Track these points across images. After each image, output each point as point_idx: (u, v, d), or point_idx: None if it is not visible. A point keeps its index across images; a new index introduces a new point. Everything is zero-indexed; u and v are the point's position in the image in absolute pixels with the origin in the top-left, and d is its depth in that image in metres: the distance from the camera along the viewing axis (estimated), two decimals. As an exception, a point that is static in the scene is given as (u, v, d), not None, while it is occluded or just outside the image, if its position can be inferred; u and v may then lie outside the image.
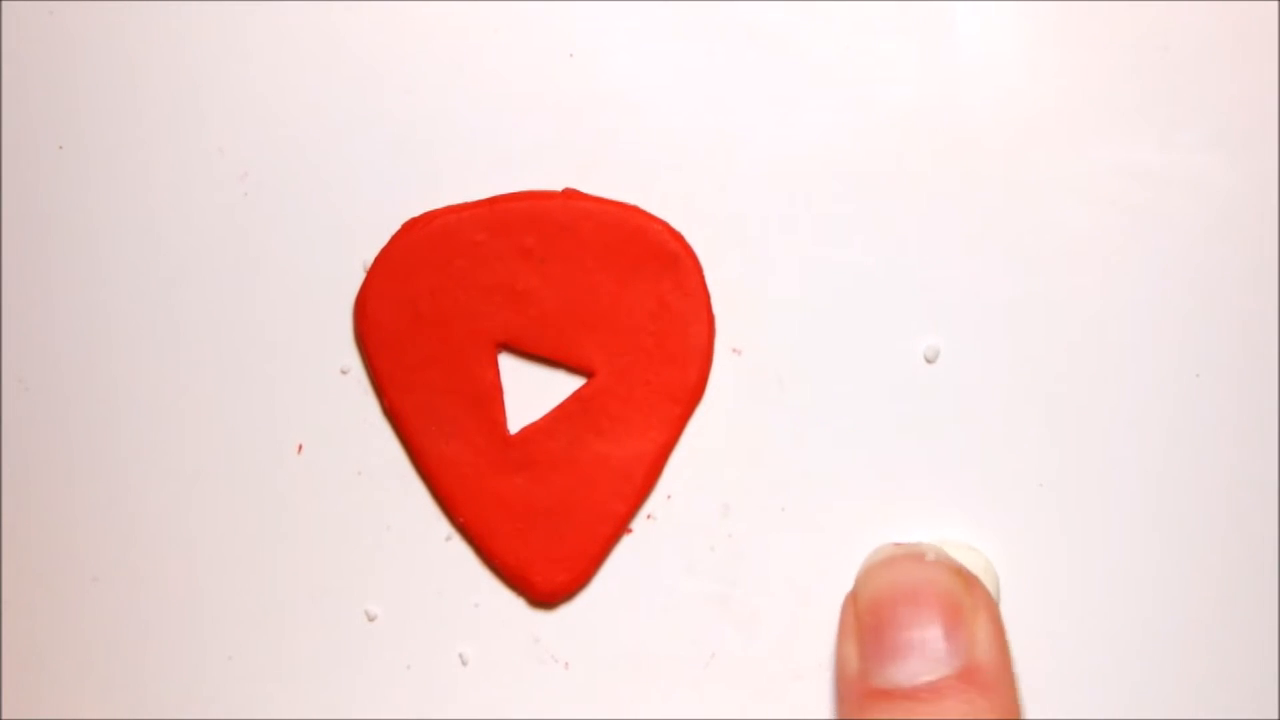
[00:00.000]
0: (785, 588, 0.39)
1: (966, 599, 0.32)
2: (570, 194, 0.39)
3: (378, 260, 0.40)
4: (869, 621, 0.33)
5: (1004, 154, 0.39)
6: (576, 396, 0.39)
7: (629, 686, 0.39)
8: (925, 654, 0.30)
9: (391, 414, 0.40)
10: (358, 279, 0.40)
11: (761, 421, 0.39)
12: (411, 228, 0.40)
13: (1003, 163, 0.39)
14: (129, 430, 0.40)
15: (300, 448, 0.40)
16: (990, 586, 0.37)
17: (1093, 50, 0.39)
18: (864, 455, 0.39)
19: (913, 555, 0.34)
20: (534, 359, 0.40)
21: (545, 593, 0.39)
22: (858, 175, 0.39)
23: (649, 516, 0.39)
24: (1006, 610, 0.39)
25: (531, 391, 0.39)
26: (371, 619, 0.40)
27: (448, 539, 0.40)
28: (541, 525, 0.39)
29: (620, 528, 0.39)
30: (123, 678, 0.40)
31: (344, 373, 0.40)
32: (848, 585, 0.38)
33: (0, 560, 0.40)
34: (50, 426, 0.40)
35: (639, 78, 0.40)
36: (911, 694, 0.28)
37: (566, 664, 0.39)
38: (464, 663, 0.39)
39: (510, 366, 0.40)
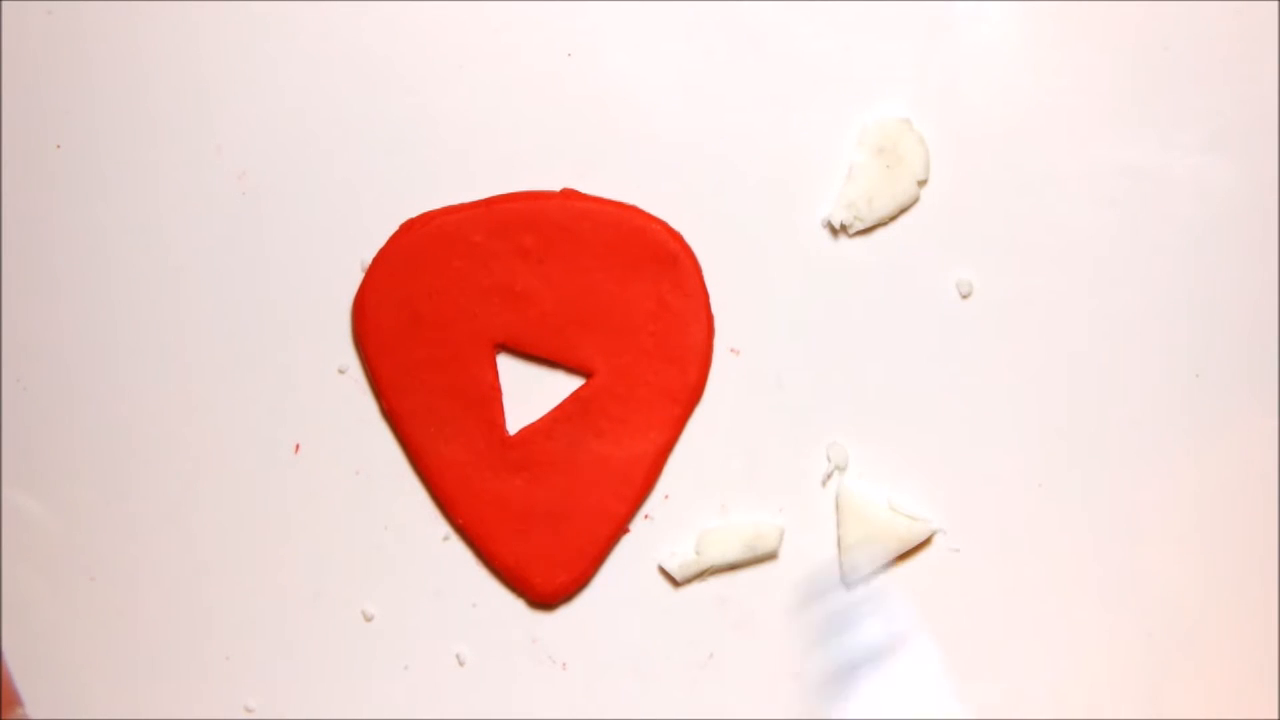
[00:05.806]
0: (783, 588, 0.39)
1: None
2: (569, 194, 0.39)
3: (376, 261, 0.40)
4: None
5: (1004, 154, 0.39)
6: (575, 397, 0.39)
7: (627, 687, 0.39)
8: None
9: (390, 414, 0.39)
10: (356, 279, 0.40)
11: (760, 421, 0.39)
12: (410, 228, 0.39)
13: (1002, 163, 0.39)
14: (127, 430, 0.40)
15: (298, 447, 0.40)
16: None
17: (1093, 50, 0.39)
18: (863, 455, 0.39)
19: None
20: (533, 359, 0.39)
21: (545, 593, 0.39)
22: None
23: (647, 517, 0.39)
24: (1006, 608, 0.39)
25: (530, 392, 0.39)
26: (369, 619, 0.40)
27: (445, 539, 0.40)
28: (541, 526, 0.39)
29: (620, 528, 0.39)
30: (121, 677, 0.40)
31: (342, 372, 0.40)
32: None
33: (0, 559, 0.40)
34: (48, 426, 0.40)
35: (638, 78, 0.39)
36: None
37: (564, 664, 0.39)
38: (461, 663, 0.39)
39: (509, 367, 0.40)
